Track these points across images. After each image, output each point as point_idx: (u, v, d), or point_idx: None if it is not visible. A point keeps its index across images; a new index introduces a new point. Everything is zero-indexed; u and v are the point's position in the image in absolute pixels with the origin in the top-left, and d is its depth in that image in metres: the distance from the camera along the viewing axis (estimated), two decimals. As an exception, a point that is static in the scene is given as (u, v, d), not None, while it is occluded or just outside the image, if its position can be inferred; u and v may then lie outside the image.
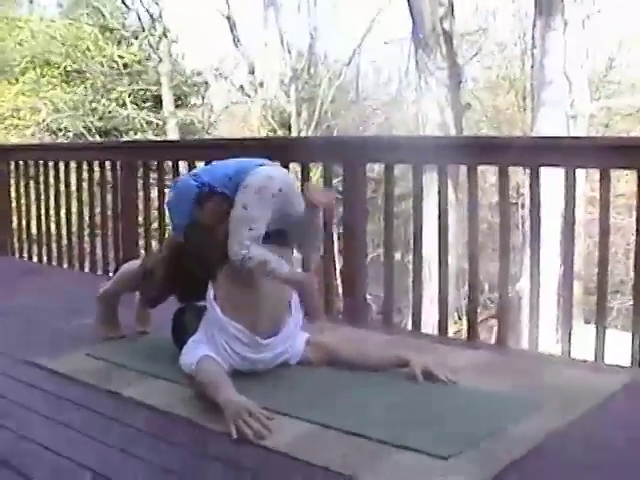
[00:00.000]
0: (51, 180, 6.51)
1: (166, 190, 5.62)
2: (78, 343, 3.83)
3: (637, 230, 3.55)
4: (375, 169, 9.71)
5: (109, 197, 6.05)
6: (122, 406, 3.03)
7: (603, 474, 2.36)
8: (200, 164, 5.22)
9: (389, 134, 17.15)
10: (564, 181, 3.73)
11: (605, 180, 3.62)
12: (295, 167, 5.01)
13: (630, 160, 3.59)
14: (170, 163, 5.57)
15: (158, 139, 16.39)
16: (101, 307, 3.99)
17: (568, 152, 3.75)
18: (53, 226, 6.53)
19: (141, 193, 5.85)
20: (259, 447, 2.59)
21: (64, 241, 6.48)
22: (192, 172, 3.70)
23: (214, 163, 3.70)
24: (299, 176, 4.61)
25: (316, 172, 6.48)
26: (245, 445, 2.60)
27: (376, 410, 2.89)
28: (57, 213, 6.48)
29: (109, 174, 6.09)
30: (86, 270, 6.28)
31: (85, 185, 6.23)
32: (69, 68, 18.04)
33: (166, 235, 5.51)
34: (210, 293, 3.25)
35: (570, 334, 3.81)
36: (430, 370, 3.18)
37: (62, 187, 6.38)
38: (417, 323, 4.30)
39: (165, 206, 3.73)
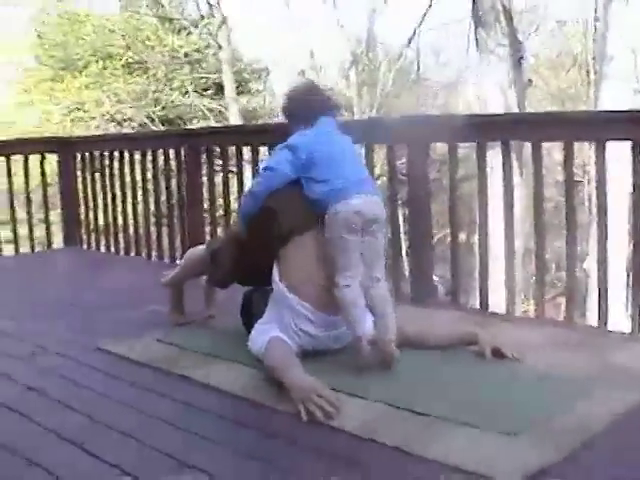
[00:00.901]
0: (116, 171, 6.59)
1: (230, 175, 5.69)
2: (148, 329, 3.89)
3: None
4: (438, 149, 9.66)
5: (174, 185, 6.11)
6: (194, 390, 3.07)
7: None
8: (263, 149, 5.27)
9: (451, 113, 16.97)
10: (631, 155, 3.67)
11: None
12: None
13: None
14: (233, 148, 5.59)
15: (220, 125, 16.46)
16: (170, 294, 4.05)
17: (633, 125, 3.68)
18: (120, 217, 6.61)
19: (206, 179, 5.89)
20: (327, 427, 2.61)
21: (131, 230, 6.57)
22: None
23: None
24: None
25: (380, 153, 6.45)
26: (313, 426, 2.62)
27: (444, 389, 2.89)
28: (123, 203, 6.55)
29: (173, 163, 6.14)
30: (153, 258, 6.36)
31: (150, 174, 6.29)
32: (130, 60, 18.20)
33: (231, 221, 5.56)
34: (275, 274, 3.27)
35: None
36: (498, 348, 3.18)
37: (127, 177, 6.46)
38: (484, 302, 4.28)
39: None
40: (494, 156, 4.60)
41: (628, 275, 6.74)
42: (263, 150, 5.35)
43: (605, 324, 3.82)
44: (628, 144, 3.67)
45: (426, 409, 2.67)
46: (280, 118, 3.88)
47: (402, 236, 5.63)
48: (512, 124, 4.27)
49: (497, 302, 4.45)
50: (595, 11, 11.91)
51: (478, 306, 4.32)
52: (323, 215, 3.23)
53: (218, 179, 5.86)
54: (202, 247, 3.97)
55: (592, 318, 5.13)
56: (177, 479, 2.28)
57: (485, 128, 4.22)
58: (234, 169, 5.66)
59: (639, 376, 2.93)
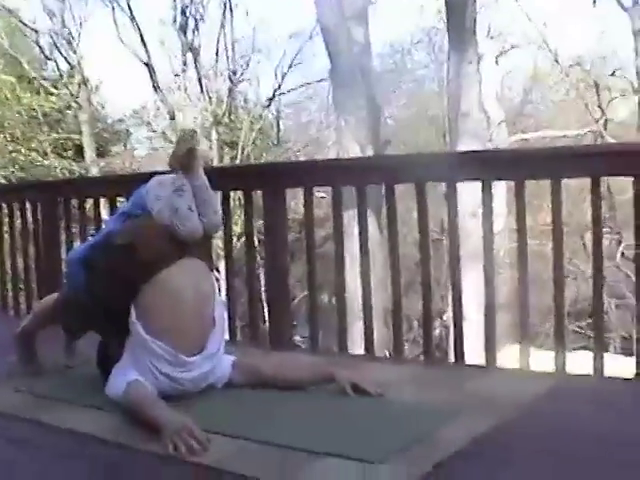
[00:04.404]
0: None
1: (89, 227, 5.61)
2: (6, 380, 3.75)
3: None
4: (299, 210, 9.76)
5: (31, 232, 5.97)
6: (51, 435, 2.98)
7: (523, 472, 2.42)
8: (121, 200, 5.22)
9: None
10: (481, 192, 3.82)
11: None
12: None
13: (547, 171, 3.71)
14: (91, 201, 5.52)
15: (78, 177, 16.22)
16: (20, 345, 3.92)
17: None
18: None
19: (63, 232, 5.79)
20: (193, 464, 2.58)
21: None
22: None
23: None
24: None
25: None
26: (178, 462, 2.60)
27: (303, 423, 2.91)
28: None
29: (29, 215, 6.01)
30: (10, 312, 6.17)
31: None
32: (-14, 118, 17.85)
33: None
34: (132, 314, 3.21)
35: (494, 343, 3.88)
36: (357, 383, 3.21)
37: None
38: (343, 345, 4.32)
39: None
40: (351, 218, 4.71)
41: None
42: (120, 200, 5.29)
43: (462, 360, 3.91)
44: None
45: (285, 441, 2.68)
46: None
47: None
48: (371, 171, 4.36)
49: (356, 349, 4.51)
50: (448, 72, 12.35)
51: (337, 349, 4.36)
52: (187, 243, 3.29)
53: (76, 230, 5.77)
54: (54, 296, 3.86)
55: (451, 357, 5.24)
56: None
57: (342, 172, 4.31)
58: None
59: (491, 403, 3.03)
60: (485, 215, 3.84)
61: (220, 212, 3.60)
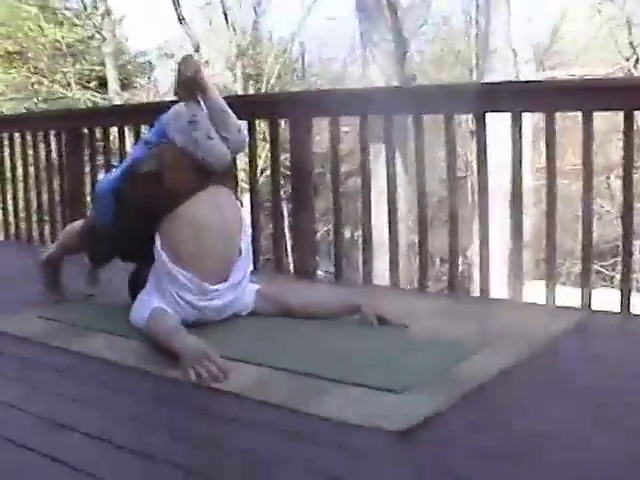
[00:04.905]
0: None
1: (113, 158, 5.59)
2: (27, 307, 3.76)
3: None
4: (324, 145, 9.70)
5: (55, 163, 5.97)
6: (72, 360, 3.00)
7: (551, 406, 2.39)
8: (145, 128, 5.18)
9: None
10: (511, 123, 3.76)
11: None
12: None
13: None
14: (115, 129, 5.50)
15: (102, 106, 16.14)
16: (45, 272, 3.93)
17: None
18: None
19: (87, 162, 5.78)
20: (213, 390, 2.59)
21: (10, 217, 6.40)
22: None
23: None
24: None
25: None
26: (200, 389, 2.60)
27: (327, 352, 2.91)
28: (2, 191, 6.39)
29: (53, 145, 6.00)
30: (35, 242, 6.20)
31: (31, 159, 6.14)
32: (10, 49, 17.72)
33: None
34: (157, 243, 3.20)
35: (520, 277, 3.85)
36: (382, 315, 3.19)
37: (6, 159, 6.29)
38: (368, 277, 4.31)
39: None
40: (376, 155, 4.66)
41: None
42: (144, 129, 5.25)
43: (488, 294, 3.89)
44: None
45: (310, 370, 2.68)
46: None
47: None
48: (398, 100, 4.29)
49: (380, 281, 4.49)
50: (476, 8, 12.17)
51: (362, 281, 4.35)
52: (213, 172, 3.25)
53: (100, 161, 5.75)
54: (79, 222, 3.85)
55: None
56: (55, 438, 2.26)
57: (369, 101, 4.25)
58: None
59: (521, 335, 3.02)
60: (514, 147, 3.77)
61: (244, 130, 3.53)
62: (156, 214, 3.20)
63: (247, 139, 3.57)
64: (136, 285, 3.44)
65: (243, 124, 4.14)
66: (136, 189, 3.28)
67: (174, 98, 3.45)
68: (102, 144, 5.69)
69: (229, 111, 3.39)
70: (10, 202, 6.40)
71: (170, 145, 3.25)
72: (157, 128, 3.39)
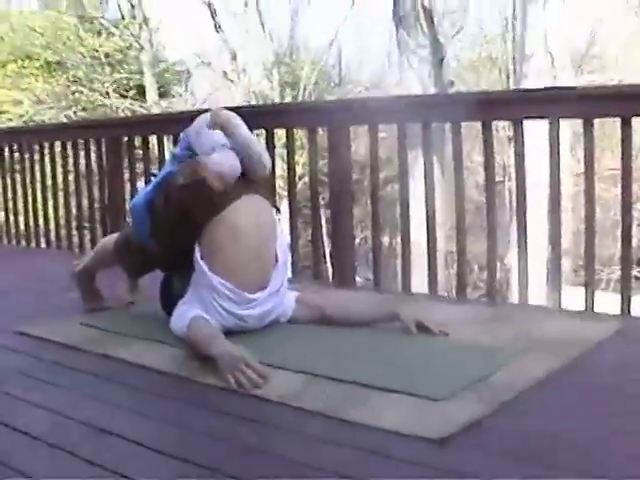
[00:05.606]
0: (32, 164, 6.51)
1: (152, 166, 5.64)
2: (68, 314, 3.82)
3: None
4: (361, 151, 9.70)
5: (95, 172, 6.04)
6: (117, 368, 3.04)
7: (595, 414, 2.38)
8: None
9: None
10: (549, 130, 3.75)
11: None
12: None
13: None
14: (155, 137, 5.55)
15: (142, 114, 16.30)
16: (80, 283, 3.96)
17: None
18: (41, 214, 6.52)
19: (127, 169, 5.83)
20: (253, 397, 2.61)
21: (52, 225, 6.48)
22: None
23: None
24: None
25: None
26: (239, 395, 2.63)
27: (366, 359, 2.92)
28: (44, 201, 6.47)
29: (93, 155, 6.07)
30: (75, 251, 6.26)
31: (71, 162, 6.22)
32: (50, 59, 17.92)
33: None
34: (197, 254, 3.23)
35: (560, 285, 3.84)
36: (422, 322, 3.20)
37: (47, 168, 6.37)
38: (407, 285, 4.31)
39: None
40: (413, 161, 4.66)
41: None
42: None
43: (526, 300, 3.88)
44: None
45: (349, 377, 2.69)
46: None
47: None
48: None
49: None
50: (514, 13, 12.12)
51: (400, 288, 4.35)
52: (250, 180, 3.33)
53: (139, 169, 5.81)
54: (115, 236, 3.89)
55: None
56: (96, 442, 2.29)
57: (407, 109, 4.25)
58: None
59: (561, 341, 3.00)
60: (552, 153, 3.76)
61: (267, 157, 3.58)
62: (194, 225, 3.23)
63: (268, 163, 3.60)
64: (167, 294, 3.48)
65: (281, 132, 4.19)
66: (171, 202, 3.31)
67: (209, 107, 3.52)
68: (141, 152, 5.74)
69: (253, 145, 3.49)
70: (51, 210, 6.46)
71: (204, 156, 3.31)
72: (188, 141, 3.45)
